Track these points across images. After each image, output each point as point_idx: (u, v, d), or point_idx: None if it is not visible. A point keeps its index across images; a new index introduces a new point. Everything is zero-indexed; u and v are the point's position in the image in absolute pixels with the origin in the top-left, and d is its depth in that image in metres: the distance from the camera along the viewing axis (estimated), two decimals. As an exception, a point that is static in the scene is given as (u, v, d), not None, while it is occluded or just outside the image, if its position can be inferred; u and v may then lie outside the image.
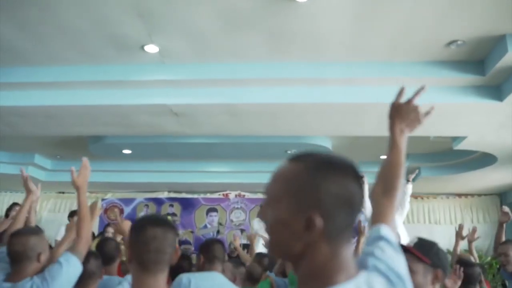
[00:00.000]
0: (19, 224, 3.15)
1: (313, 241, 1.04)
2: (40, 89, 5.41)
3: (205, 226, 10.98)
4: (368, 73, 5.03)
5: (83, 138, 7.90)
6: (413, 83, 5.03)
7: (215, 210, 11.05)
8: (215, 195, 11.19)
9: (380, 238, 1.27)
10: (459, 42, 4.56)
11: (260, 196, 11.04)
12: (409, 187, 6.42)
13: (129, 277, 2.56)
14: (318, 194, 1.05)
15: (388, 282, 1.12)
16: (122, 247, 4.09)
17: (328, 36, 4.54)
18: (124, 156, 8.84)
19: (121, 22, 4.33)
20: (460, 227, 5.26)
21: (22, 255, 2.44)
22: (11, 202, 11.38)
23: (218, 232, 10.64)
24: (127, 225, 2.85)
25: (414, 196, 9.82)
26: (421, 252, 2.05)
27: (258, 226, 6.49)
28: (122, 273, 3.85)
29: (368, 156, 8.87)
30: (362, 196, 1.10)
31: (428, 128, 6.14)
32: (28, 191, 3.32)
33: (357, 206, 1.09)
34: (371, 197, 1.48)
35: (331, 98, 5.26)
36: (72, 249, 2.56)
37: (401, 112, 1.62)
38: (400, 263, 1.20)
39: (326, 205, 1.04)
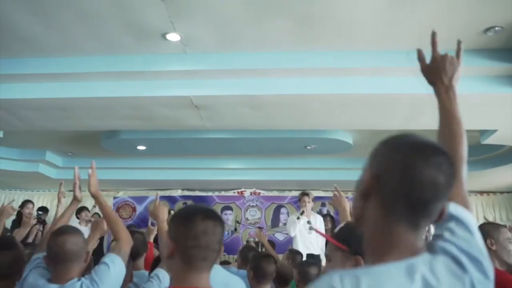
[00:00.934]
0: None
1: (368, 207, 1.11)
2: (55, 81, 5.21)
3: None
4: (399, 63, 4.79)
5: (96, 134, 7.73)
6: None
7: (229, 208, 10.84)
8: (230, 193, 10.99)
9: (450, 218, 1.18)
10: (497, 28, 4.35)
11: (276, 193, 10.84)
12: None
13: (160, 273, 2.59)
14: (381, 161, 1.13)
15: (457, 266, 1.07)
16: None
17: (359, 24, 4.33)
18: (138, 153, 8.65)
19: (143, 7, 4.13)
20: None
21: (75, 254, 2.30)
22: (21, 200, 11.37)
23: (235, 230, 10.44)
24: (163, 210, 2.88)
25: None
26: (341, 239, 1.92)
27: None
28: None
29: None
30: (434, 183, 1.05)
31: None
32: (75, 199, 3.18)
33: (423, 190, 1.05)
34: None
35: (359, 89, 5.03)
36: (116, 250, 2.46)
37: (436, 70, 1.55)
38: (474, 243, 1.13)
39: (384, 173, 1.10)
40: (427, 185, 1.05)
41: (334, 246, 1.93)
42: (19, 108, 5.65)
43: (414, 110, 5.43)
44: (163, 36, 4.57)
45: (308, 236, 6.06)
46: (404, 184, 1.06)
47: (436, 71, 1.55)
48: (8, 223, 7.17)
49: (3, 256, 2.58)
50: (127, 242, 2.52)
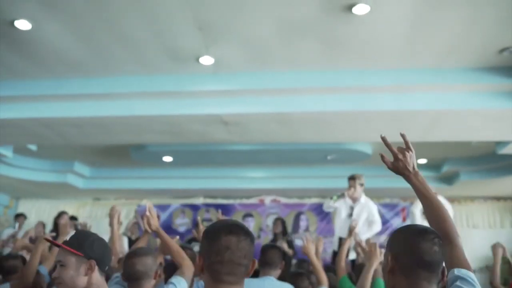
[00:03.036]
0: None
1: (395, 279, 1.70)
2: (95, 100, 5.56)
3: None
4: (419, 80, 5.09)
5: (125, 146, 8.06)
6: (462, 89, 5.14)
7: (251, 215, 11.12)
8: (251, 201, 11.27)
9: (456, 278, 1.67)
10: (511, 49, 4.61)
11: (296, 201, 11.10)
12: (441, 200, 6.25)
13: (176, 279, 2.67)
14: (396, 246, 1.74)
15: None
16: None
17: (382, 45, 4.62)
18: (164, 164, 8.99)
19: (181, 34, 4.46)
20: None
21: (144, 274, 2.60)
22: (48, 209, 11.75)
23: (258, 237, 10.72)
24: (154, 220, 3.05)
25: (451, 199, 9.79)
26: (75, 245, 2.14)
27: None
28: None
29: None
30: (430, 254, 1.66)
31: (472, 134, 6.19)
32: (146, 232, 3.22)
33: (424, 259, 1.66)
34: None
35: (380, 106, 5.32)
36: (181, 273, 2.73)
37: (400, 165, 1.93)
38: None
39: (397, 252, 1.71)
40: (427, 253, 1.65)
41: (68, 252, 2.11)
42: (60, 125, 6.02)
43: (430, 124, 5.71)
44: (197, 59, 4.90)
45: (346, 221, 5.86)
46: (413, 256, 1.67)
47: (400, 166, 1.92)
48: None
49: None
50: (189, 268, 2.78)
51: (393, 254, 1.71)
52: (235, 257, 1.59)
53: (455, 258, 1.73)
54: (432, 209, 1.86)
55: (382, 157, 1.96)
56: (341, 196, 6.08)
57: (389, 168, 1.97)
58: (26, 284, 3.47)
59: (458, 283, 1.65)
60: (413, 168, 1.90)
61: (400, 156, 1.92)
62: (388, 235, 1.59)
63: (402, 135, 1.95)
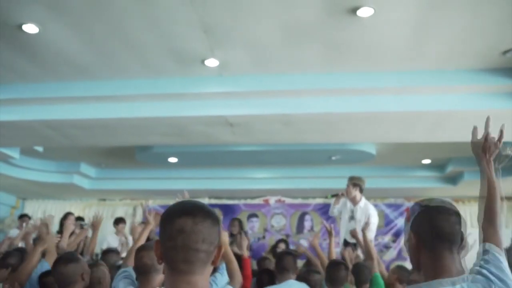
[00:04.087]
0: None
1: (420, 253, 1.77)
2: (100, 102, 5.62)
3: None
4: (422, 82, 5.12)
5: (130, 147, 8.12)
6: (466, 90, 5.17)
7: (255, 215, 11.18)
8: (255, 201, 11.33)
9: (486, 252, 1.84)
10: (515, 51, 4.64)
11: (300, 201, 11.15)
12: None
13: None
14: (417, 223, 1.81)
15: (488, 282, 1.70)
16: None
17: (385, 47, 4.65)
18: (169, 165, 9.05)
19: (186, 37, 4.50)
20: None
21: (151, 267, 2.65)
22: (54, 210, 11.83)
23: (263, 237, 10.77)
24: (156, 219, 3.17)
25: (455, 199, 9.81)
26: None
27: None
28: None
29: (411, 161, 8.97)
30: (449, 226, 1.75)
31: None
32: (147, 223, 3.64)
33: (444, 232, 1.75)
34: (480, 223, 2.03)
35: (384, 107, 5.34)
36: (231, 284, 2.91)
37: (484, 148, 2.10)
38: (501, 268, 1.76)
39: (417, 229, 1.80)
40: (446, 226, 1.75)
41: None
42: (66, 127, 6.08)
43: (434, 125, 5.74)
44: (202, 61, 4.94)
45: (348, 223, 6.07)
46: (433, 231, 1.76)
47: (484, 148, 2.10)
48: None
49: (69, 268, 3.06)
50: (238, 282, 2.94)
51: (414, 231, 1.80)
52: (190, 242, 1.39)
53: (489, 236, 1.90)
54: (490, 190, 2.03)
55: (474, 130, 2.15)
56: (336, 196, 6.38)
57: (472, 141, 2.15)
58: (20, 283, 3.51)
59: (486, 257, 1.81)
60: (491, 156, 2.09)
61: (490, 141, 2.09)
62: (409, 209, 1.91)
63: (501, 131, 2.14)
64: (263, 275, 4.65)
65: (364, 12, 3.99)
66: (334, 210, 6.42)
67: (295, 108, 5.39)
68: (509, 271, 1.76)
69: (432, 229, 1.76)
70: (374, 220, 5.83)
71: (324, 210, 10.85)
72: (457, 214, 1.80)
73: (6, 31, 4.36)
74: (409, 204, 10.49)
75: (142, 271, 2.68)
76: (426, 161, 8.90)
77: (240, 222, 7.91)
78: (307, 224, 11.00)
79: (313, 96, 5.34)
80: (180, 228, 1.38)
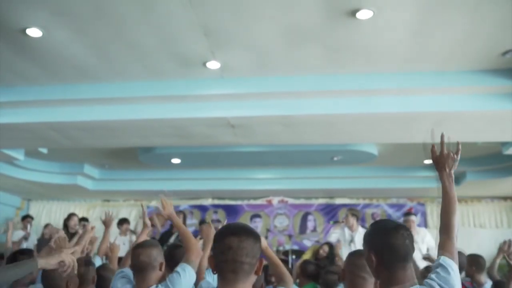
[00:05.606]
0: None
1: (377, 267, 2.04)
2: (103, 104, 5.67)
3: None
4: (421, 83, 5.15)
5: (133, 148, 8.17)
6: (466, 91, 5.19)
7: (258, 216, 11.22)
8: (258, 201, 11.36)
9: (438, 265, 2.03)
10: (514, 52, 4.66)
11: (302, 201, 11.18)
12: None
13: (181, 267, 2.73)
14: (372, 242, 2.10)
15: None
16: None
17: (385, 49, 4.68)
18: (172, 166, 9.10)
19: (187, 40, 4.54)
20: (506, 243, 4.54)
21: (148, 265, 2.70)
22: (59, 210, 11.90)
23: (266, 238, 10.80)
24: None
25: (458, 199, 9.79)
26: None
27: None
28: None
29: (412, 161, 8.98)
30: (402, 245, 2.02)
31: (478, 135, 6.24)
32: (145, 225, 3.74)
33: (399, 251, 2.01)
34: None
35: (384, 108, 5.38)
36: (186, 260, 2.78)
37: (442, 162, 2.24)
38: (450, 281, 1.97)
39: (377, 249, 2.05)
40: (401, 248, 2.01)
41: None
42: (70, 129, 6.14)
43: (435, 126, 5.75)
44: (204, 64, 4.98)
45: (349, 246, 6.91)
46: (391, 252, 2.01)
47: (443, 163, 2.24)
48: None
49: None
50: (195, 253, 2.83)
51: (375, 252, 2.05)
52: (237, 256, 1.73)
53: (445, 248, 2.08)
54: (448, 205, 2.18)
55: (432, 147, 2.31)
56: (336, 223, 7.75)
57: (432, 158, 2.29)
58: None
59: (438, 270, 2.01)
60: (450, 170, 2.23)
61: (447, 155, 2.24)
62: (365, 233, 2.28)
63: (458, 143, 2.31)
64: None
65: (364, 14, 4.01)
66: (333, 235, 7.57)
67: (296, 110, 5.43)
68: (457, 281, 1.99)
69: (390, 251, 2.01)
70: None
71: (326, 210, 10.89)
72: (410, 236, 2.07)
73: (10, 35, 4.41)
74: (412, 204, 10.53)
75: (139, 269, 2.71)
76: (428, 162, 8.90)
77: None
78: (310, 224, 11.04)
79: (314, 97, 5.37)
80: (229, 245, 1.74)
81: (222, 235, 1.81)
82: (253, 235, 1.81)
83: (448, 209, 2.16)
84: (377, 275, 2.07)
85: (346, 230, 7.13)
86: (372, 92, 5.27)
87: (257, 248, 1.80)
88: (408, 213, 7.22)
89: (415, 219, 7.08)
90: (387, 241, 2.03)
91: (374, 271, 2.07)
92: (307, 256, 7.90)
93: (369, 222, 10.41)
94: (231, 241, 1.75)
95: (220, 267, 1.77)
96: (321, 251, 7.76)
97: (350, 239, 7.01)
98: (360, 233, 6.89)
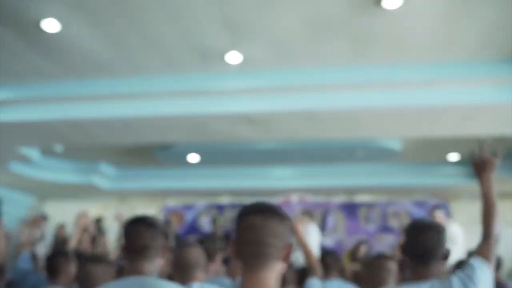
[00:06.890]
0: None
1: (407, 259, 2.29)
2: (122, 100, 5.55)
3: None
4: (451, 74, 4.96)
5: (150, 147, 8.05)
6: (496, 82, 4.97)
7: (277, 214, 11.05)
8: (277, 199, 11.19)
9: (467, 265, 2.16)
10: (547, 41, 4.45)
11: (323, 199, 11.00)
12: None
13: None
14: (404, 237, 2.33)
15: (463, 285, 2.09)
16: None
17: (413, 39, 4.50)
18: (189, 163, 8.95)
19: (208, 33, 4.42)
20: None
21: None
22: (76, 210, 11.80)
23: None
24: None
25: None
26: None
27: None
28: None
29: (435, 157, 8.74)
30: (432, 241, 2.21)
31: (507, 128, 5.99)
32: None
33: (426, 248, 2.20)
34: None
35: (411, 100, 5.18)
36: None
37: (484, 166, 2.28)
38: (475, 279, 2.09)
39: (405, 243, 2.30)
40: (428, 244, 2.18)
41: None
42: (87, 125, 6.01)
43: (464, 119, 5.55)
44: (225, 57, 4.84)
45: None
46: (418, 246, 2.20)
47: (484, 167, 2.28)
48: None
49: (97, 268, 3.01)
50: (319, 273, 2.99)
51: (402, 245, 2.27)
52: (260, 236, 1.48)
53: (480, 250, 2.18)
54: (488, 207, 2.23)
55: (479, 150, 2.33)
56: None
57: (473, 161, 2.33)
58: None
59: (465, 268, 2.14)
60: (491, 174, 2.27)
61: (489, 160, 2.27)
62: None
63: (499, 151, 2.34)
64: None
65: (391, 3, 3.86)
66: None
67: (319, 104, 5.26)
68: (484, 281, 2.10)
69: (417, 245, 2.20)
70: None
71: (347, 208, 10.70)
72: (439, 233, 2.22)
73: (27, 30, 4.33)
74: (435, 201, 10.27)
75: (134, 251, 2.50)
76: (454, 157, 8.67)
77: None
78: (329, 222, 10.85)
79: (337, 91, 5.19)
80: (251, 224, 1.50)
81: (243, 214, 1.55)
82: (279, 213, 1.54)
83: (487, 212, 2.22)
84: (402, 269, 2.33)
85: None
86: (398, 85, 5.08)
87: (285, 228, 1.53)
88: (433, 209, 7.31)
89: (441, 214, 7.01)
90: (415, 234, 2.21)
91: (399, 265, 2.31)
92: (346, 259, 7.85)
93: (391, 220, 10.21)
94: (253, 220, 1.50)
95: (241, 251, 1.51)
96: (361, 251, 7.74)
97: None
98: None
